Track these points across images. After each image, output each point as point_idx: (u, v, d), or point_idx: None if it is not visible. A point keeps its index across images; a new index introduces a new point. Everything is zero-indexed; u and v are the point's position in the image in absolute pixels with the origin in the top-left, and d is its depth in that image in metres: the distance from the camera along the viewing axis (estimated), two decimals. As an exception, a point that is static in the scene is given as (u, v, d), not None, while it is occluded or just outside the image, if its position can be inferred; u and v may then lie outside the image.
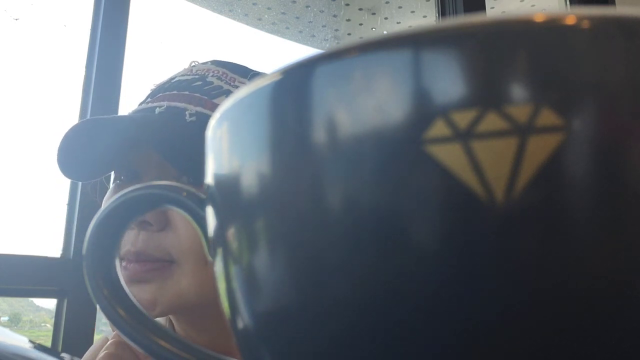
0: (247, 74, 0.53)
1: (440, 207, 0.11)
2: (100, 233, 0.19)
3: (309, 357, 0.13)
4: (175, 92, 0.50)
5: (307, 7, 2.19)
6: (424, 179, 0.11)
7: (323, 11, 2.24)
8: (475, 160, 0.11)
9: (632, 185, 0.10)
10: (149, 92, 0.54)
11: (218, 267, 0.16)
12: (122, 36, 1.40)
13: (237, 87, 0.51)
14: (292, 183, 0.13)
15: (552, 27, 0.11)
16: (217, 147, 0.15)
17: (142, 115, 0.48)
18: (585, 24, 0.11)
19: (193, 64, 0.54)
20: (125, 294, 0.20)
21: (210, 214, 0.16)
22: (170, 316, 0.56)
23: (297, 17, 2.25)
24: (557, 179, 0.10)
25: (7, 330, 0.25)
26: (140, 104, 0.52)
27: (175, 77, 0.53)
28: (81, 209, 1.26)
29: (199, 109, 0.48)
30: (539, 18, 0.11)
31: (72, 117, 1.35)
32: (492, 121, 0.11)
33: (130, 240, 0.46)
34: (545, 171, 0.10)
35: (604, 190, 0.10)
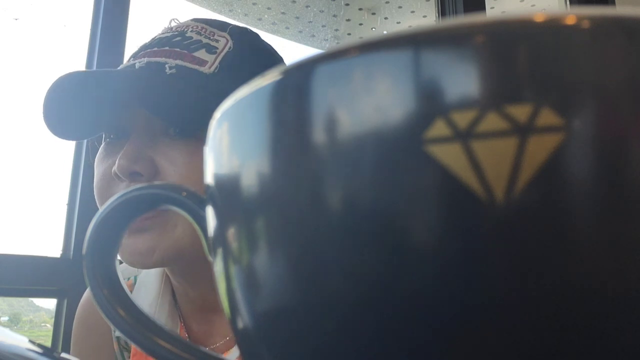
0: (226, 27, 0.54)
1: (440, 207, 0.11)
2: (100, 233, 0.19)
3: (309, 356, 0.13)
4: (155, 48, 0.51)
5: (307, 7, 2.19)
6: (424, 179, 0.11)
7: (323, 11, 2.24)
8: (475, 160, 0.11)
9: (632, 185, 0.10)
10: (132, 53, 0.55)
11: (218, 267, 0.16)
12: (122, 36, 1.40)
13: (217, 40, 0.52)
14: (292, 183, 0.13)
15: (552, 27, 0.11)
16: (217, 147, 0.15)
17: (123, 70, 0.49)
18: (585, 24, 0.11)
19: (173, 21, 0.55)
20: (125, 294, 0.20)
21: (210, 214, 0.16)
22: (167, 270, 0.57)
23: (297, 17, 2.25)
24: (557, 179, 0.10)
25: (7, 330, 0.25)
26: (123, 64, 0.53)
27: (156, 36, 0.54)
28: (81, 209, 1.27)
29: (178, 62, 0.49)
30: (539, 18, 0.11)
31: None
32: (492, 121, 0.11)
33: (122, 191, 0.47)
34: (545, 171, 0.10)
35: (603, 190, 0.10)
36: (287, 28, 2.30)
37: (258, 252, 0.14)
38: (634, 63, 0.11)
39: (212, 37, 0.52)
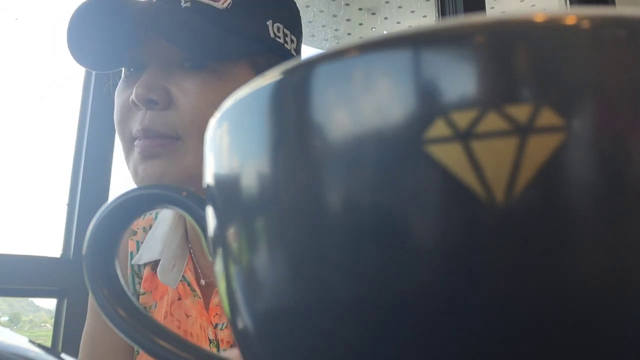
0: None
1: (440, 207, 0.11)
2: (100, 233, 0.19)
3: (309, 356, 0.13)
4: None
5: (307, 7, 2.19)
6: (424, 179, 0.11)
7: (323, 11, 2.24)
8: (475, 160, 0.11)
9: (632, 185, 0.10)
10: None
11: (218, 267, 0.16)
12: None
13: None
14: (292, 183, 0.13)
15: (552, 27, 0.11)
16: (217, 147, 0.15)
17: (141, 3, 0.51)
18: (585, 24, 0.11)
19: None
20: (125, 294, 0.20)
21: (210, 214, 0.16)
22: None
23: (297, 17, 2.24)
24: (557, 179, 0.10)
25: (7, 330, 0.25)
26: None
27: None
28: (81, 209, 1.27)
29: None
30: (539, 18, 0.11)
31: (72, 117, 1.35)
32: (492, 121, 0.11)
33: (139, 119, 0.51)
34: (545, 171, 0.10)
35: (603, 190, 0.10)
36: (287, 28, 2.29)
37: (258, 252, 0.14)
38: (634, 63, 0.11)
39: None
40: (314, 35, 2.34)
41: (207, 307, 0.57)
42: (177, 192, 0.19)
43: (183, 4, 0.50)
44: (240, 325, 0.15)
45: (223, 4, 0.52)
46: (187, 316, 0.58)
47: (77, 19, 0.51)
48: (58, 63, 1.61)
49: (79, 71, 1.38)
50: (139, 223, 0.66)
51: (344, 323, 0.12)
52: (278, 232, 0.13)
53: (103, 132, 1.32)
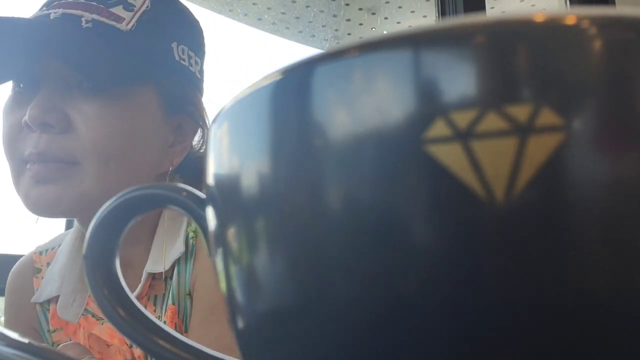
0: None
1: (440, 207, 0.11)
2: (100, 233, 0.19)
3: (309, 357, 0.13)
4: (70, 0, 0.50)
5: (307, 7, 2.19)
6: (424, 178, 0.11)
7: (323, 11, 2.24)
8: (475, 160, 0.11)
9: (632, 185, 0.10)
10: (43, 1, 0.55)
11: (218, 267, 0.16)
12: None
13: None
14: (292, 183, 0.13)
15: (552, 27, 0.11)
16: (217, 147, 0.15)
17: (37, 19, 0.49)
18: (585, 24, 0.11)
19: None
20: (125, 294, 0.20)
21: (210, 214, 0.16)
22: (80, 225, 0.58)
23: (297, 17, 2.25)
24: (557, 179, 0.10)
25: (7, 330, 0.25)
26: (35, 13, 0.52)
27: None
28: (81, 209, 1.26)
29: (94, 16, 0.49)
30: (539, 18, 0.11)
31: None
32: (492, 121, 0.11)
33: (33, 142, 0.48)
34: (545, 171, 0.10)
35: (603, 190, 0.10)
36: (287, 28, 2.30)
37: (258, 252, 0.14)
38: (634, 63, 0.11)
39: None
40: (314, 35, 2.34)
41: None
42: (177, 192, 0.19)
43: (84, 24, 0.48)
44: (240, 325, 0.15)
45: (127, 25, 0.49)
46: (108, 346, 0.55)
47: None
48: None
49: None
50: (42, 259, 0.63)
51: (344, 323, 0.12)
52: (278, 232, 0.13)
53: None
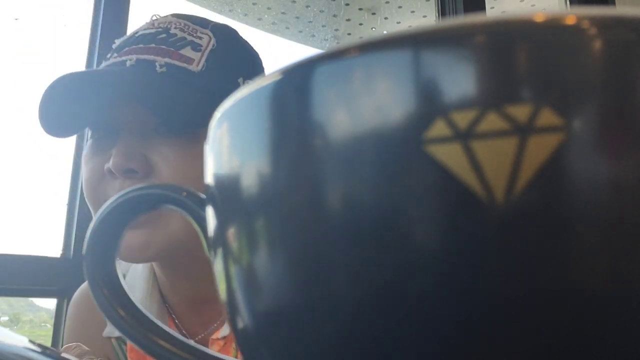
0: (208, 24, 0.55)
1: (440, 207, 0.11)
2: (100, 233, 0.19)
3: (309, 357, 0.13)
4: (141, 45, 0.51)
5: (307, 7, 2.19)
6: (424, 179, 0.11)
7: (323, 11, 2.24)
8: (475, 160, 0.11)
9: (631, 185, 0.10)
10: (112, 48, 0.55)
11: (218, 267, 0.16)
12: (122, 36, 1.40)
13: (200, 37, 0.53)
14: (292, 183, 0.13)
15: (552, 27, 0.11)
16: (217, 147, 0.15)
17: (115, 69, 0.50)
18: (585, 24, 0.11)
19: (154, 17, 0.55)
20: (125, 294, 0.20)
21: (210, 214, 0.16)
22: (156, 265, 0.58)
23: (297, 17, 2.25)
24: (557, 179, 0.10)
25: (7, 330, 0.25)
26: (107, 59, 0.53)
27: (138, 31, 0.54)
28: (81, 209, 1.26)
29: (167, 60, 0.50)
30: (539, 18, 0.11)
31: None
32: (492, 121, 0.11)
33: (116, 188, 0.48)
34: (545, 171, 0.10)
35: (603, 190, 0.10)
36: (287, 28, 2.30)
37: (258, 252, 0.14)
38: (634, 63, 0.11)
39: (195, 35, 0.53)
40: (314, 35, 2.34)
41: None
42: (177, 192, 0.19)
43: (158, 69, 0.49)
44: (240, 325, 0.15)
45: (197, 65, 0.50)
46: None
47: (51, 94, 0.49)
48: (58, 63, 1.61)
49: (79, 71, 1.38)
50: None
51: (344, 323, 0.12)
52: (278, 232, 0.13)
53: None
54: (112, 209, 0.19)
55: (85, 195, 0.51)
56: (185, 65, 0.50)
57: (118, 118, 0.50)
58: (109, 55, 0.54)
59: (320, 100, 0.13)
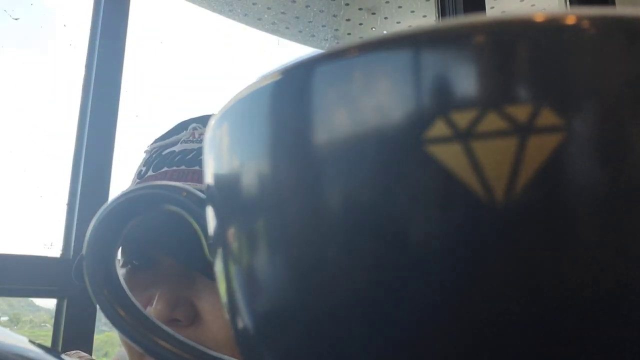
0: None
1: (440, 207, 0.11)
2: (100, 233, 0.19)
3: (309, 357, 0.13)
4: (183, 167, 0.46)
5: (307, 7, 2.19)
6: (424, 179, 0.11)
7: (323, 11, 2.24)
8: (475, 160, 0.11)
9: (632, 185, 0.10)
10: (145, 156, 0.50)
11: (218, 267, 0.16)
12: (122, 36, 1.40)
13: None
14: (292, 183, 0.13)
15: (552, 27, 0.11)
16: (217, 147, 0.15)
17: (162, 221, 0.44)
18: (585, 24, 0.11)
19: (194, 127, 0.50)
20: (125, 294, 0.20)
21: (210, 214, 0.16)
22: None
23: (297, 17, 2.25)
24: (557, 179, 0.10)
25: (7, 330, 0.25)
26: (141, 175, 0.48)
27: (177, 141, 0.49)
28: (81, 209, 1.26)
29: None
30: (539, 18, 0.11)
31: (72, 117, 1.35)
32: (492, 121, 0.11)
33: None
34: (545, 171, 0.10)
35: (603, 190, 0.10)
36: (287, 28, 2.30)
37: (258, 252, 0.14)
38: (634, 63, 0.11)
39: None
40: (314, 35, 2.34)
41: None
42: (177, 192, 0.19)
43: None
44: (240, 325, 0.15)
45: None
46: None
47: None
48: (58, 63, 1.61)
49: (79, 71, 1.38)
50: None
51: (344, 323, 0.12)
52: (278, 232, 0.13)
53: (103, 132, 1.32)
54: (112, 209, 0.19)
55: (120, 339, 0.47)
56: None
57: (158, 254, 0.45)
58: (143, 169, 0.48)
59: (320, 100, 0.13)
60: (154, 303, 0.44)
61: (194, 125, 0.50)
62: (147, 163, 0.49)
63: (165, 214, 0.49)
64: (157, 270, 0.45)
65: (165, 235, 0.42)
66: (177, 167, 0.46)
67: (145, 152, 0.51)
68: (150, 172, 0.47)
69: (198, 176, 0.45)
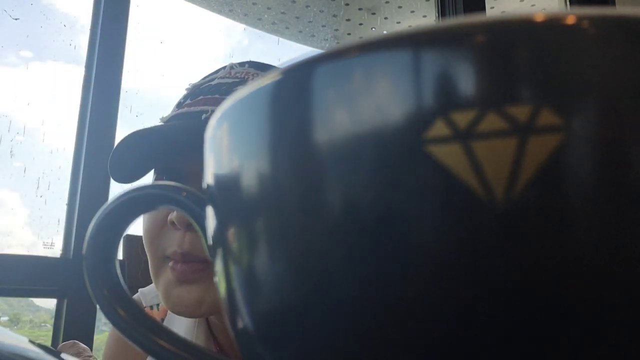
0: None
1: (441, 207, 0.11)
2: (100, 233, 0.19)
3: (309, 357, 0.13)
4: (217, 96, 0.51)
5: (307, 7, 2.19)
6: (424, 179, 0.11)
7: (323, 11, 2.24)
8: (475, 160, 0.11)
9: (631, 185, 0.10)
10: (185, 92, 0.55)
11: (218, 267, 0.16)
12: (122, 36, 1.40)
13: None
14: (292, 183, 0.13)
15: (552, 27, 0.11)
16: (217, 147, 0.15)
17: (191, 122, 0.49)
18: (585, 24, 0.11)
19: (231, 66, 0.55)
20: (125, 294, 0.20)
21: (210, 214, 0.16)
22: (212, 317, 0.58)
23: (297, 17, 2.25)
24: (557, 179, 0.10)
25: (7, 330, 0.25)
26: (180, 105, 0.53)
27: (215, 78, 0.54)
28: (81, 209, 1.27)
29: None
30: (539, 18, 0.11)
31: (71, 117, 1.35)
32: (492, 121, 0.11)
33: (177, 241, 0.48)
34: (545, 171, 0.10)
35: (603, 190, 0.10)
36: (287, 28, 2.30)
37: (258, 252, 0.14)
38: (634, 63, 0.11)
39: None
40: (313, 35, 2.34)
41: None
42: (177, 192, 0.19)
43: None
44: (240, 325, 0.15)
45: None
46: None
47: (121, 150, 0.49)
48: (58, 63, 1.61)
49: (78, 71, 1.38)
50: (154, 314, 0.62)
51: (344, 323, 0.12)
52: (278, 232, 0.13)
53: (103, 131, 1.32)
54: (112, 208, 0.19)
55: (144, 242, 0.51)
56: None
57: (186, 167, 0.50)
58: (182, 99, 0.53)
59: (320, 100, 0.13)
60: (175, 210, 0.46)
61: (231, 64, 0.55)
62: (186, 97, 0.53)
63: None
64: (183, 183, 0.48)
65: (194, 138, 0.46)
66: (212, 95, 0.51)
67: (186, 89, 0.55)
68: (188, 101, 0.52)
69: None
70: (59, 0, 1.72)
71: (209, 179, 0.16)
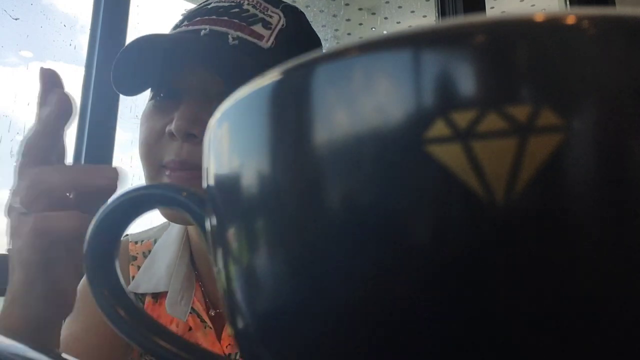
0: (279, 4, 0.57)
1: (440, 207, 0.11)
2: (100, 233, 0.19)
3: (309, 357, 0.13)
4: (214, 17, 0.52)
5: (307, 7, 2.19)
6: (424, 179, 0.11)
7: (323, 11, 2.24)
8: (475, 160, 0.11)
9: (632, 185, 0.10)
10: (181, 17, 0.56)
11: (218, 267, 0.16)
12: (122, 36, 1.40)
13: (270, 16, 0.54)
14: (292, 183, 0.13)
15: (552, 27, 0.11)
16: (218, 147, 0.15)
17: (189, 36, 0.51)
18: (585, 24, 0.11)
19: None
20: (125, 294, 0.20)
21: (210, 214, 0.16)
22: (190, 230, 0.59)
23: (297, 17, 2.24)
24: (557, 179, 0.10)
25: (7, 330, 0.25)
26: (177, 26, 0.54)
27: (211, 2, 0.55)
28: (81, 208, 1.26)
29: (239, 33, 0.51)
30: (539, 18, 0.11)
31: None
32: (492, 121, 0.11)
33: (174, 150, 0.49)
34: (545, 171, 0.10)
35: (603, 190, 0.10)
36: (287, 28, 2.29)
37: (258, 252, 0.14)
38: (634, 63, 0.11)
39: (266, 12, 0.54)
40: (314, 35, 2.34)
41: (219, 338, 0.57)
42: (177, 192, 0.19)
43: (231, 41, 0.50)
44: (240, 325, 0.15)
45: (267, 42, 0.52)
46: None
47: (125, 54, 0.50)
48: (58, 63, 1.61)
49: (78, 71, 1.38)
50: (137, 248, 0.64)
51: (344, 323, 0.12)
52: (278, 232, 0.13)
53: (103, 132, 1.32)
54: (112, 209, 0.19)
55: (140, 153, 0.52)
56: (256, 40, 0.51)
57: (183, 82, 0.51)
58: (179, 22, 0.55)
59: (320, 100, 0.13)
60: (174, 121, 0.48)
61: None
62: (182, 20, 0.55)
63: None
64: (178, 99, 0.51)
65: (206, 51, 0.48)
66: (209, 16, 0.52)
67: (182, 15, 0.57)
68: (185, 23, 0.54)
69: (228, 23, 0.52)
70: (59, 0, 1.72)
71: (209, 179, 0.16)
